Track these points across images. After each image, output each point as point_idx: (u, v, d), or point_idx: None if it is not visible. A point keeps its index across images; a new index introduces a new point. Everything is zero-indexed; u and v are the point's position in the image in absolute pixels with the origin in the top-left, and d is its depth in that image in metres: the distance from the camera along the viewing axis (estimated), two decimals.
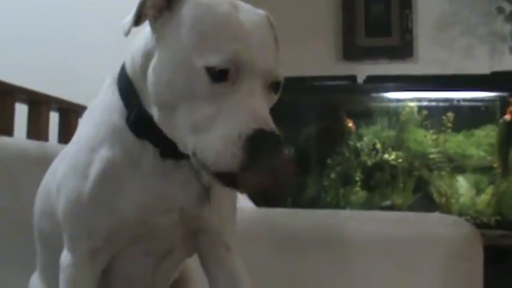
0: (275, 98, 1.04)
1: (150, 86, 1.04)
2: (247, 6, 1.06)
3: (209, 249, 1.18)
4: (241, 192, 1.05)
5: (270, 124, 0.95)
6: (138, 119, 1.08)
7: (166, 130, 1.03)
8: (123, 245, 1.12)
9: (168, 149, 1.07)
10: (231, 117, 0.95)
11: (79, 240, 1.11)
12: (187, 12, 1.02)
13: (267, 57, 1.00)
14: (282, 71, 1.04)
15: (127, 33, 1.05)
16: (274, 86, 1.02)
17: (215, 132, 0.95)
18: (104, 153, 1.09)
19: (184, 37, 1.00)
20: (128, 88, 1.11)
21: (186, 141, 0.99)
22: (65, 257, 1.13)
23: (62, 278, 1.13)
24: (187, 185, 1.11)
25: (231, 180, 0.96)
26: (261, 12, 1.09)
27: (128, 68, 1.11)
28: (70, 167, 1.12)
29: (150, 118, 1.06)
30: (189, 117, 0.98)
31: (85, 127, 1.16)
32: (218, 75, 0.96)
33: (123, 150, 1.09)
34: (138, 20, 1.04)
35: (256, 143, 0.92)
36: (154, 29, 1.05)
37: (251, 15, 1.04)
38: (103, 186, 1.08)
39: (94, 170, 1.08)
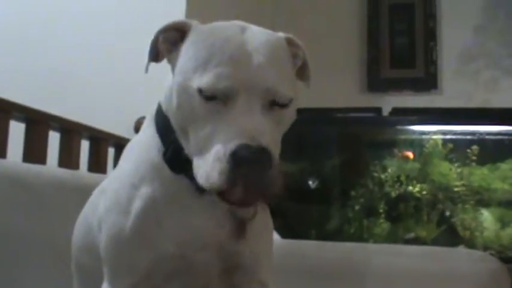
0: (284, 113, 1.04)
1: (169, 112, 1.10)
2: (257, 29, 1.09)
3: (245, 285, 1.18)
4: (236, 207, 1.05)
5: (257, 140, 0.95)
6: (174, 155, 1.10)
7: (192, 158, 1.05)
8: (162, 280, 1.13)
9: None
10: (223, 135, 0.97)
11: (119, 275, 1.12)
12: (192, 38, 1.07)
13: (268, 76, 1.01)
14: (289, 91, 1.03)
15: (146, 70, 1.11)
16: (279, 102, 1.03)
17: (210, 151, 0.97)
18: (144, 190, 1.11)
19: (187, 62, 1.04)
20: (164, 125, 1.13)
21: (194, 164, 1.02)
22: None
23: None
24: (223, 220, 1.12)
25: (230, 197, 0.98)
26: (275, 34, 1.11)
27: (163, 105, 1.15)
28: (112, 203, 1.15)
29: (185, 154, 1.08)
30: (194, 140, 1.02)
31: (126, 163, 1.19)
32: (208, 95, 0.99)
33: (162, 187, 1.11)
34: (154, 57, 1.11)
35: (239, 159, 0.94)
36: (169, 61, 1.10)
37: (258, 36, 1.06)
38: (143, 223, 1.10)
39: (135, 207, 1.10)
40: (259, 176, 0.95)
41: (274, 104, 1.02)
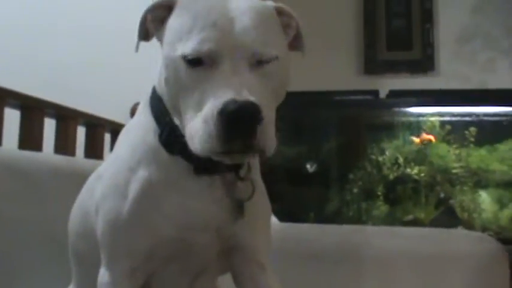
0: (271, 70, 1.03)
1: (160, 92, 1.10)
2: None
3: (243, 267, 1.18)
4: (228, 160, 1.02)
5: (244, 95, 0.95)
6: (170, 136, 1.10)
7: (186, 136, 1.04)
8: (160, 264, 1.13)
9: (201, 165, 1.08)
10: (210, 97, 0.97)
11: (118, 259, 1.12)
12: (177, 11, 1.07)
13: (252, 39, 1.01)
14: (275, 50, 1.03)
15: (136, 49, 1.12)
16: (265, 61, 1.03)
17: (199, 117, 0.97)
18: (141, 174, 1.11)
19: (172, 33, 1.05)
20: (159, 107, 1.13)
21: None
22: (103, 276, 1.13)
23: None
24: (221, 202, 1.12)
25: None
26: (262, 2, 1.10)
27: (158, 88, 1.14)
28: (109, 187, 1.14)
29: (181, 134, 1.07)
30: (184, 109, 1.01)
31: (122, 148, 1.18)
32: (193, 60, 0.99)
33: (159, 169, 1.11)
34: (144, 36, 1.12)
35: (227, 114, 0.93)
36: (158, 38, 1.11)
37: (242, 3, 1.05)
38: (141, 206, 1.09)
39: (132, 190, 1.10)
40: (249, 129, 0.95)
41: (260, 63, 1.02)
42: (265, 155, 0.99)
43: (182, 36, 1.02)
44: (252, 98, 0.95)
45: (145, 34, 1.12)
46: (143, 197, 1.09)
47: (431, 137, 3.67)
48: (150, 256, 1.11)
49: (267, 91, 1.02)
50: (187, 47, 1.00)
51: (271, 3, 1.12)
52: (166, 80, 1.05)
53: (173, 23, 1.06)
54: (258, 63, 1.02)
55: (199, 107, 0.98)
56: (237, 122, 0.94)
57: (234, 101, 0.94)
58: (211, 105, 0.95)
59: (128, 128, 1.22)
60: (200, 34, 1.00)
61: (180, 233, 1.10)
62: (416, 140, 3.68)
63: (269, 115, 0.99)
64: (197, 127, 0.97)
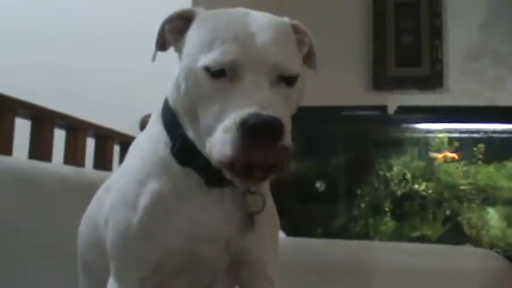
0: (291, 91, 1.05)
1: (177, 102, 1.10)
2: (259, 13, 1.10)
3: (251, 281, 1.18)
4: (245, 179, 1.00)
5: (267, 109, 0.95)
6: (182, 148, 1.11)
7: (201, 146, 1.05)
8: (169, 275, 1.13)
9: (213, 177, 1.09)
10: (232, 109, 0.97)
11: (127, 270, 1.12)
12: (196, 24, 1.08)
13: (273, 54, 1.02)
14: (295, 66, 1.05)
15: (153, 59, 1.12)
16: (286, 79, 1.04)
17: (220, 127, 0.97)
18: (151, 185, 1.11)
19: (192, 45, 1.06)
20: (171, 119, 1.14)
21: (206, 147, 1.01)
22: (111, 287, 1.13)
23: None
24: (231, 214, 1.12)
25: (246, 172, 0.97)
26: (280, 18, 1.12)
27: (170, 100, 1.15)
28: (119, 199, 1.14)
29: (193, 147, 1.08)
30: (204, 120, 1.02)
31: (132, 159, 1.19)
32: (215, 72, 1.00)
33: (170, 181, 1.11)
34: (161, 45, 1.12)
35: (250, 126, 0.93)
36: (176, 49, 1.11)
37: (262, 18, 1.07)
38: (151, 218, 1.10)
39: (142, 202, 1.10)
40: (270, 144, 0.95)
41: (281, 81, 1.03)
42: (283, 171, 0.99)
43: (203, 48, 1.03)
44: (275, 113, 0.96)
45: (162, 44, 1.13)
46: (153, 209, 1.10)
47: (455, 155, 3.66)
48: (159, 268, 1.11)
49: (286, 107, 1.03)
50: (209, 58, 1.01)
51: (287, 20, 1.14)
52: (186, 91, 1.05)
53: (193, 34, 1.07)
54: (278, 79, 1.03)
55: (220, 118, 0.98)
56: (260, 135, 0.94)
57: (258, 115, 0.94)
58: (234, 116, 0.96)
59: (138, 140, 1.22)
60: (222, 46, 1.01)
61: (189, 245, 1.10)
62: (439, 157, 3.67)
63: (288, 130, 0.99)
64: (218, 137, 0.97)
